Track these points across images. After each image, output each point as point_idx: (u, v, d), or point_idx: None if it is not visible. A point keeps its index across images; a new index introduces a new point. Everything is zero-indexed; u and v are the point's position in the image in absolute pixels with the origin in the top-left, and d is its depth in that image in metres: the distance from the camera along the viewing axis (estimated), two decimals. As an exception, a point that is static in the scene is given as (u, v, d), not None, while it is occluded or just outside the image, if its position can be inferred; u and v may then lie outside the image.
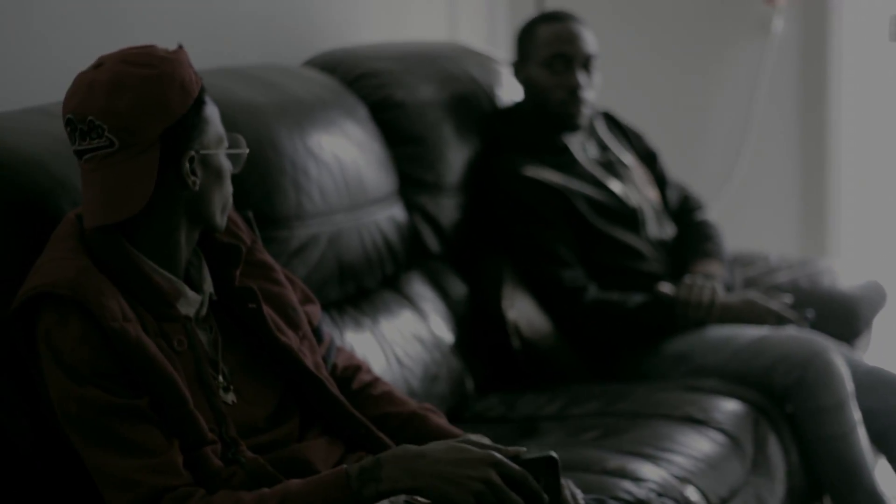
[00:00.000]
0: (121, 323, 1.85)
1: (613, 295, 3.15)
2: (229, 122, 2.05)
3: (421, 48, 3.49)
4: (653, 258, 3.27)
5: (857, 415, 2.97)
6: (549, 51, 3.25)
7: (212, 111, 1.96)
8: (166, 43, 1.97)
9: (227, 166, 1.99)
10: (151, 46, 1.93)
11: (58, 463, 1.98)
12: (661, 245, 3.32)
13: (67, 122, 1.89)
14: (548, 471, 1.85)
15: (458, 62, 3.44)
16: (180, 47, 1.95)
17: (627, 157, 3.40)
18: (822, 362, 2.96)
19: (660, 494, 2.48)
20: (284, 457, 1.97)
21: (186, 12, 2.99)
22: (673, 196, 3.47)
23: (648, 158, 3.49)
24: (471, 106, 3.33)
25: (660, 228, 3.34)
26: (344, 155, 2.90)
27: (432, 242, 3.19)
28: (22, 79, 2.56)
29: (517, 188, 3.19)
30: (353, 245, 2.90)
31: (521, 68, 3.32)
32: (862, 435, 2.97)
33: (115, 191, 1.86)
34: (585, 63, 3.25)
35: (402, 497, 1.84)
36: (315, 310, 2.19)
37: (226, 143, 1.99)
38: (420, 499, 1.86)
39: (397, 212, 3.08)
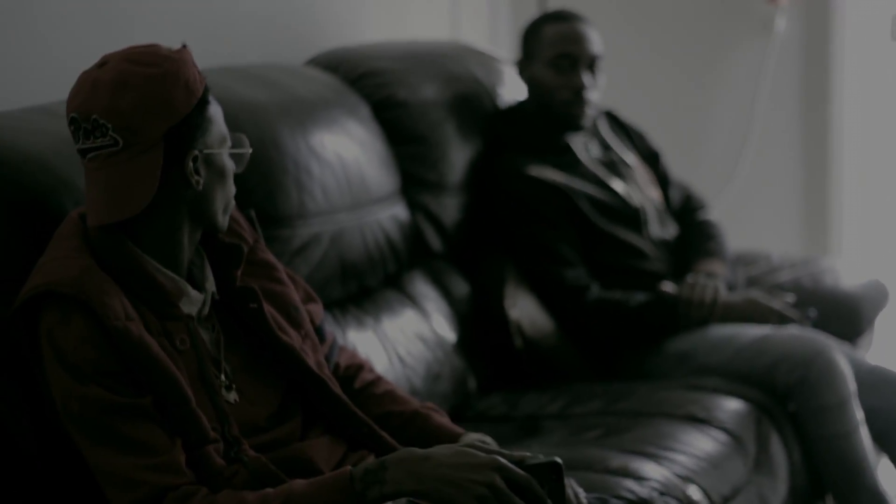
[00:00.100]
0: (123, 322, 1.85)
1: (616, 294, 3.15)
2: (231, 122, 2.05)
3: (423, 47, 3.50)
4: (655, 257, 3.27)
5: (859, 414, 2.97)
6: (555, 50, 3.24)
7: (215, 110, 1.96)
8: (168, 42, 1.97)
9: (230, 166, 1.99)
10: (155, 45, 1.93)
11: (60, 462, 1.98)
12: (663, 244, 3.32)
13: (71, 121, 1.89)
14: (552, 476, 1.85)
15: (461, 61, 3.44)
16: (184, 46, 1.95)
17: (630, 157, 3.40)
18: (824, 361, 2.96)
19: (662, 493, 2.48)
20: (287, 456, 1.97)
21: (188, 11, 2.99)
22: (675, 195, 3.47)
23: (651, 158, 3.49)
24: (473, 105, 3.33)
25: (662, 228, 3.34)
26: (346, 154, 2.90)
27: (435, 241, 3.19)
28: (24, 78, 2.56)
29: (520, 187, 3.19)
30: (356, 244, 2.90)
31: (525, 67, 3.31)
32: (864, 434, 2.97)
33: (118, 190, 1.86)
34: (591, 64, 3.25)
35: (404, 500, 1.84)
36: (317, 309, 2.19)
37: (229, 143, 1.99)
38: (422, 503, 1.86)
39: (400, 211, 3.08)
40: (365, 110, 3.07)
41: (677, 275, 3.25)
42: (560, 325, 3.18)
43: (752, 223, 4.43)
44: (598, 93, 3.29)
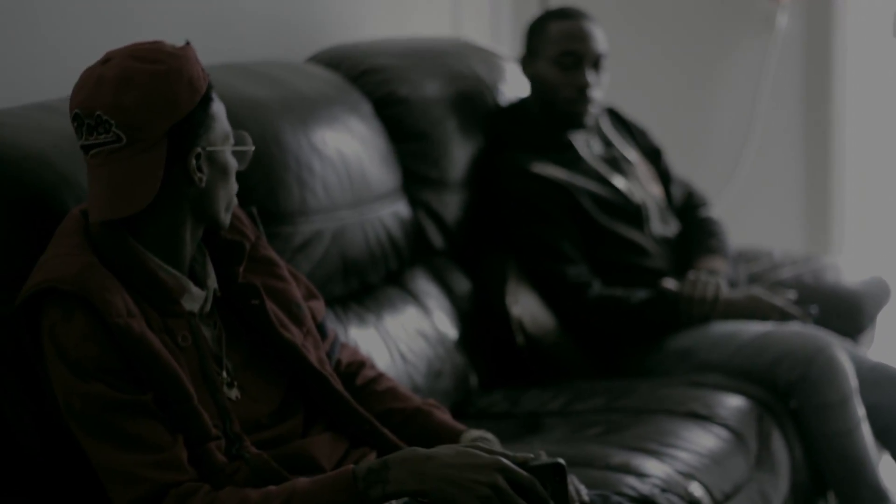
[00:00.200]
0: (125, 319, 1.85)
1: (617, 291, 3.15)
2: (233, 118, 2.05)
3: (425, 44, 3.49)
4: (657, 254, 3.27)
5: (861, 411, 2.97)
6: (560, 48, 3.24)
7: (219, 108, 1.96)
8: (170, 39, 1.97)
9: (232, 163, 1.99)
10: (160, 42, 1.93)
11: (62, 458, 1.98)
12: (664, 241, 3.32)
13: (74, 117, 1.89)
14: (555, 478, 1.85)
15: (462, 58, 3.44)
16: (188, 44, 1.95)
17: (631, 154, 3.39)
18: (825, 358, 2.96)
19: (664, 490, 2.48)
20: (288, 453, 1.97)
21: (190, 8, 2.99)
22: (677, 192, 3.47)
23: (653, 155, 3.49)
24: (475, 102, 3.33)
25: (664, 225, 3.34)
26: (348, 151, 2.90)
27: (436, 238, 3.19)
28: (25, 75, 2.56)
29: (521, 184, 3.19)
30: (357, 241, 2.90)
31: (529, 63, 3.31)
32: (866, 431, 2.97)
33: (121, 186, 1.86)
34: (595, 62, 3.25)
35: (405, 500, 1.84)
36: (319, 306, 2.19)
37: (232, 140, 1.99)
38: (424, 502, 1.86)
39: (401, 208, 3.08)
40: (366, 107, 3.07)
41: (679, 272, 3.25)
42: (562, 322, 3.18)
43: (753, 220, 4.43)
44: (602, 91, 3.29)
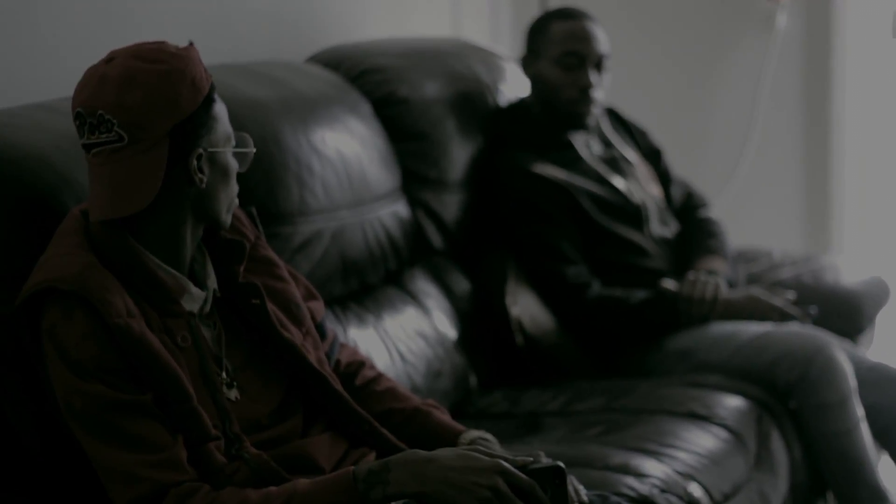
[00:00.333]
0: (125, 319, 1.85)
1: (617, 291, 3.15)
2: (233, 118, 2.05)
3: (424, 44, 3.50)
4: (656, 255, 3.27)
5: (860, 411, 2.97)
6: (563, 48, 3.24)
7: (221, 109, 1.96)
8: (170, 38, 1.97)
9: (233, 165, 1.99)
10: (163, 42, 1.93)
11: (62, 457, 1.98)
12: (664, 242, 3.32)
13: (77, 116, 1.89)
14: (555, 481, 1.85)
15: (462, 58, 3.44)
16: (191, 44, 1.95)
17: (631, 154, 3.40)
18: (825, 358, 2.96)
19: (663, 490, 2.48)
20: (288, 453, 1.97)
21: (190, 8, 2.99)
22: (677, 193, 3.47)
23: (652, 155, 3.49)
24: (475, 102, 3.33)
25: (663, 225, 3.34)
26: (347, 151, 2.90)
27: (436, 238, 3.19)
28: (26, 75, 2.56)
29: (521, 184, 3.19)
30: (357, 241, 2.90)
31: (530, 63, 3.31)
32: (865, 431, 2.97)
33: (122, 185, 1.86)
34: (598, 63, 3.25)
35: (405, 502, 1.85)
36: (318, 306, 2.19)
37: (233, 142, 1.99)
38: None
39: (401, 208, 3.08)
40: (366, 107, 3.07)
41: (678, 272, 3.26)
42: (561, 322, 3.18)
43: (753, 220, 4.43)
44: (604, 92, 3.29)
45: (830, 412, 2.95)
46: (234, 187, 2.00)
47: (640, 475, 2.50)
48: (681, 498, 2.49)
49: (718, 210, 3.66)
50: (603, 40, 3.26)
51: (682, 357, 3.11)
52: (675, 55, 4.54)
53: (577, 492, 2.03)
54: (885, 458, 3.14)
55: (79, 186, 2.08)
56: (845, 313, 3.41)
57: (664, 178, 3.47)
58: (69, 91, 1.94)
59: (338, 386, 2.08)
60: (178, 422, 1.87)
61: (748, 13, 4.46)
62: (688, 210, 3.45)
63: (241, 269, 2.04)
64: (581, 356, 3.20)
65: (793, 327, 3.11)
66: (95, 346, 1.84)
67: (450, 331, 3.05)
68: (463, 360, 3.04)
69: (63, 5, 2.65)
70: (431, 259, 3.16)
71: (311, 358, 2.06)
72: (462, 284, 3.17)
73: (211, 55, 2.10)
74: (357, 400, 2.12)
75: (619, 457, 2.57)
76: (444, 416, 2.19)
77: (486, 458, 1.83)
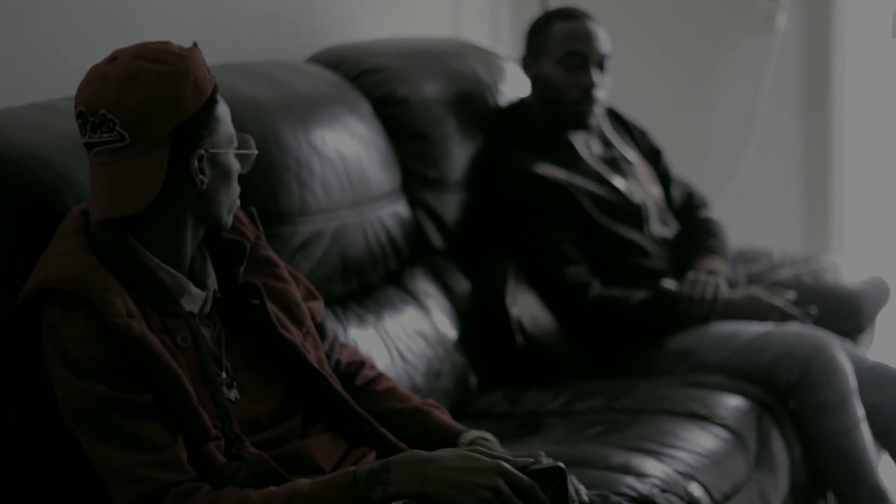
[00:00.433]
0: (125, 319, 1.85)
1: (617, 291, 3.15)
2: (233, 118, 2.05)
3: (424, 44, 3.49)
4: (656, 255, 3.27)
5: (860, 411, 2.97)
6: (566, 48, 3.24)
7: (223, 110, 1.96)
8: (170, 38, 1.96)
9: (235, 166, 1.98)
10: (167, 43, 1.93)
11: (62, 457, 1.98)
12: (664, 242, 3.32)
13: (79, 114, 1.89)
14: (555, 481, 1.85)
15: (462, 58, 3.44)
16: (195, 45, 1.95)
17: (631, 154, 3.40)
18: (825, 358, 2.96)
19: (663, 490, 2.48)
20: (288, 453, 1.97)
21: (190, 8, 2.99)
22: (677, 193, 3.47)
23: (652, 155, 3.49)
24: (475, 102, 3.33)
25: (663, 225, 3.34)
26: (347, 151, 2.90)
27: (436, 238, 3.19)
28: (26, 75, 2.56)
29: (521, 184, 3.19)
30: (357, 241, 2.90)
31: (531, 63, 3.30)
32: (865, 431, 2.97)
33: (123, 185, 1.86)
34: (600, 62, 3.25)
35: (405, 502, 1.85)
36: (318, 306, 2.19)
37: (235, 143, 1.98)
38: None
39: (401, 208, 3.08)
40: (366, 107, 3.07)
41: (678, 272, 3.26)
42: (561, 322, 3.18)
43: (753, 220, 4.43)
44: (606, 92, 3.29)
45: (831, 412, 2.95)
46: (236, 188, 1.99)
47: (640, 475, 2.50)
48: (681, 498, 2.49)
49: (718, 210, 3.66)
50: (604, 40, 3.26)
51: (682, 357, 3.11)
52: (675, 55, 4.54)
53: (577, 492, 2.03)
54: (886, 458, 3.14)
55: (79, 186, 2.08)
56: (845, 313, 3.41)
57: (664, 178, 3.47)
58: (69, 91, 1.94)
59: (338, 386, 2.08)
60: (178, 422, 1.87)
61: (748, 13, 4.46)
62: (688, 210, 3.45)
63: (242, 269, 2.04)
64: (581, 356, 3.20)
65: (793, 327, 3.11)
66: (95, 345, 1.84)
67: (450, 331, 3.05)
68: (463, 360, 3.04)
69: (63, 5, 2.65)
70: (432, 259, 3.16)
71: (311, 358, 2.06)
72: (462, 284, 3.17)
73: (211, 55, 2.10)
74: (357, 400, 2.12)
75: (619, 457, 2.57)
76: (444, 416, 2.19)
77: (487, 458, 1.83)
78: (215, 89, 1.94)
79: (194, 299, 1.97)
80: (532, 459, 1.90)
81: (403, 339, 2.90)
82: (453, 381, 2.98)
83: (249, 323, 2.04)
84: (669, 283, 3.18)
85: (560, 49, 3.24)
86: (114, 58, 1.90)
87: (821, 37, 4.43)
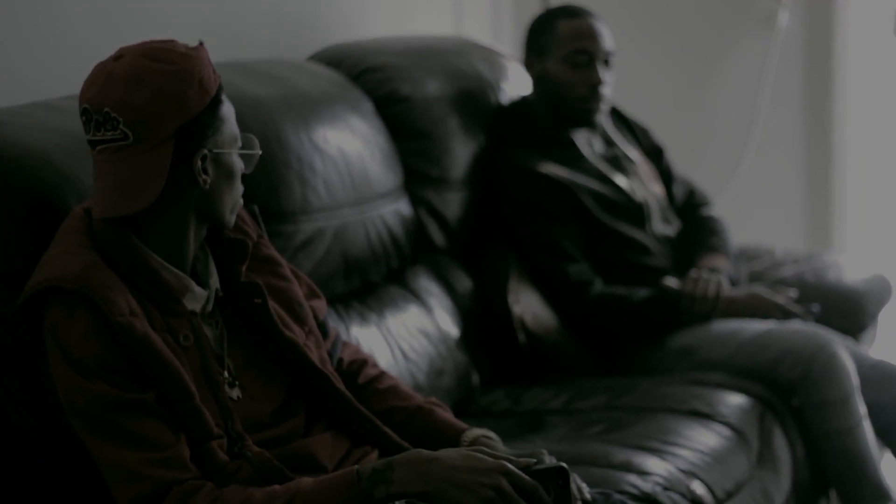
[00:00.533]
0: (127, 318, 1.85)
1: (619, 289, 3.15)
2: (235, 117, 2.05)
3: (426, 43, 3.49)
4: (658, 253, 3.27)
5: (862, 409, 2.97)
6: (572, 46, 3.23)
7: (228, 110, 1.95)
8: (170, 37, 1.96)
9: (238, 166, 1.98)
10: (173, 41, 1.92)
11: (63, 458, 1.98)
12: (666, 240, 3.32)
13: (83, 112, 1.88)
14: (558, 481, 1.85)
15: (464, 57, 3.44)
16: (201, 44, 1.95)
17: (633, 153, 3.40)
18: (827, 356, 2.96)
19: (665, 488, 2.48)
20: (290, 452, 1.97)
21: (192, 6, 2.99)
22: (679, 191, 3.47)
23: (654, 153, 3.49)
24: (476, 100, 3.33)
25: (665, 223, 3.34)
26: (349, 149, 2.90)
27: (438, 237, 3.19)
28: (27, 74, 2.56)
29: (523, 183, 3.19)
30: (359, 239, 2.90)
31: (535, 62, 3.30)
32: (867, 429, 2.97)
33: (126, 184, 1.86)
34: (605, 60, 3.25)
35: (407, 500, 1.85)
36: (321, 304, 2.19)
37: (239, 143, 1.98)
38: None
39: (403, 206, 3.08)
40: (368, 106, 3.07)
41: (680, 270, 3.26)
42: (563, 321, 3.18)
43: (755, 218, 4.43)
44: (611, 89, 3.29)
45: (833, 410, 2.95)
46: (239, 188, 1.99)
47: (642, 473, 2.50)
48: (683, 496, 2.49)
49: (720, 208, 3.66)
50: (608, 37, 3.27)
51: (684, 355, 3.11)
52: (676, 54, 4.54)
53: (579, 490, 2.03)
54: (888, 456, 3.14)
55: (80, 185, 2.08)
56: (847, 311, 3.41)
57: (666, 176, 3.46)
58: (71, 90, 1.94)
59: (340, 385, 2.08)
60: (181, 420, 1.87)
61: (749, 12, 4.46)
62: (690, 208, 3.45)
63: (244, 268, 2.04)
64: (583, 354, 3.20)
65: (795, 325, 3.11)
66: (98, 344, 1.84)
67: (452, 329, 3.05)
68: (465, 359, 3.04)
69: (64, 4, 2.65)
70: (433, 257, 3.16)
71: (314, 357, 2.06)
72: (464, 282, 3.17)
73: (212, 53, 2.10)
74: (359, 398, 2.12)
75: (621, 455, 2.57)
76: (446, 415, 2.19)
77: (491, 458, 1.83)
78: (220, 89, 1.93)
79: (196, 298, 1.97)
80: (535, 459, 1.90)
81: (405, 337, 2.90)
82: (455, 380, 2.98)
83: (252, 322, 2.04)
84: (671, 282, 3.18)
85: (566, 47, 3.24)
86: (119, 56, 1.90)
87: (822, 35, 4.43)
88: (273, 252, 2.14)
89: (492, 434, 2.15)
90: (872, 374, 3.08)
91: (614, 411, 2.87)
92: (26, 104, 2.29)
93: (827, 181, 4.50)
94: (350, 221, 2.87)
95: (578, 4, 3.35)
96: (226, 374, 1.98)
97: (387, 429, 2.09)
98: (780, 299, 3.17)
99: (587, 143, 3.32)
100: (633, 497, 2.40)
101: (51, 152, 2.11)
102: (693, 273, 3.18)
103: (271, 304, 2.04)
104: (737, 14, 4.49)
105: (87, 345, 1.83)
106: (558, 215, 3.17)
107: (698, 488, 2.54)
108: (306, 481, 1.85)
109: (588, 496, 2.04)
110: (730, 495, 2.63)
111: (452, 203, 3.21)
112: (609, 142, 3.38)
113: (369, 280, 2.94)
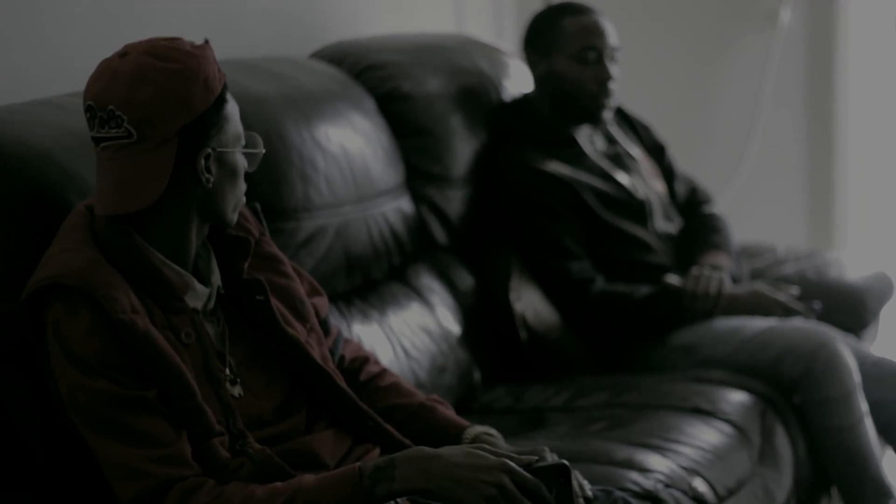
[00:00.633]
0: (129, 315, 1.85)
1: (621, 287, 3.15)
2: (237, 115, 2.05)
3: (428, 40, 3.49)
4: (660, 250, 3.27)
5: (864, 406, 2.97)
6: (581, 43, 3.23)
7: (232, 109, 1.95)
8: (172, 35, 1.96)
9: (242, 165, 1.98)
10: (178, 39, 1.92)
11: (66, 454, 1.98)
12: (668, 237, 3.32)
13: (87, 109, 1.88)
14: (560, 479, 1.85)
15: (466, 54, 3.44)
16: (206, 42, 1.95)
17: (635, 150, 3.40)
18: (828, 353, 2.96)
19: (667, 486, 2.48)
20: (292, 449, 1.97)
21: (193, 4, 2.99)
22: (681, 189, 3.47)
23: (656, 151, 3.48)
24: (478, 98, 3.33)
25: (667, 221, 3.34)
26: (351, 147, 2.90)
27: (439, 234, 3.19)
28: (29, 71, 2.56)
29: (525, 180, 3.19)
30: (361, 237, 2.90)
31: (541, 60, 3.29)
32: (869, 426, 2.97)
33: (129, 182, 1.86)
34: (612, 55, 3.25)
35: (406, 499, 1.85)
36: (322, 302, 2.19)
37: (243, 142, 1.98)
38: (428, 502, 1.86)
39: (405, 203, 3.08)
40: (370, 103, 3.07)
41: (682, 267, 3.26)
42: (565, 318, 3.18)
43: (757, 216, 4.43)
44: (618, 84, 3.29)
45: (834, 407, 2.95)
46: (242, 187, 1.99)
47: (644, 470, 2.50)
48: (685, 493, 2.49)
49: (722, 205, 3.66)
50: (612, 33, 3.27)
51: (685, 352, 3.11)
52: (678, 53, 4.54)
53: (581, 487, 2.03)
54: (890, 453, 3.14)
55: (82, 182, 2.08)
56: (849, 308, 3.41)
57: (668, 173, 3.46)
58: (72, 88, 1.94)
59: (341, 382, 2.08)
60: (182, 418, 1.87)
61: (751, 10, 4.46)
62: (692, 206, 3.45)
63: (246, 265, 2.04)
64: (585, 352, 3.20)
65: (797, 322, 3.11)
66: (99, 341, 1.84)
67: (454, 326, 3.05)
68: (467, 356, 3.04)
69: (67, 2, 2.65)
70: (435, 255, 3.16)
71: (315, 354, 2.06)
72: (466, 280, 3.17)
73: (215, 51, 2.10)
74: (361, 396, 2.12)
75: (623, 452, 2.57)
76: (448, 412, 2.19)
77: (492, 456, 1.83)
78: (225, 88, 1.93)
79: (198, 296, 1.97)
80: (536, 457, 1.90)
81: (407, 334, 2.90)
82: (457, 377, 2.98)
83: (253, 319, 2.04)
84: (673, 279, 3.18)
85: (575, 44, 3.23)
86: (125, 53, 1.90)
87: (824, 33, 4.43)
88: (275, 249, 2.14)
89: (493, 431, 2.15)
90: (874, 372, 3.08)
91: (616, 408, 2.87)
92: (27, 101, 2.29)
93: (828, 179, 4.50)
94: (352, 219, 2.87)
95: (580, 1, 3.35)
96: (227, 371, 1.98)
97: (388, 426, 2.09)
98: (781, 297, 3.17)
99: (589, 141, 3.32)
100: (634, 494, 2.40)
101: (52, 150, 2.11)
102: (695, 270, 3.18)
103: (273, 301, 2.04)
104: (738, 12, 4.49)
105: (88, 342, 1.83)
106: (560, 213, 3.17)
107: (700, 485, 2.54)
108: (308, 478, 1.85)
109: (590, 493, 2.04)
110: (731, 492, 2.63)
111: (454, 200, 3.21)
112: (611, 139, 3.38)
113: (371, 277, 2.94)
